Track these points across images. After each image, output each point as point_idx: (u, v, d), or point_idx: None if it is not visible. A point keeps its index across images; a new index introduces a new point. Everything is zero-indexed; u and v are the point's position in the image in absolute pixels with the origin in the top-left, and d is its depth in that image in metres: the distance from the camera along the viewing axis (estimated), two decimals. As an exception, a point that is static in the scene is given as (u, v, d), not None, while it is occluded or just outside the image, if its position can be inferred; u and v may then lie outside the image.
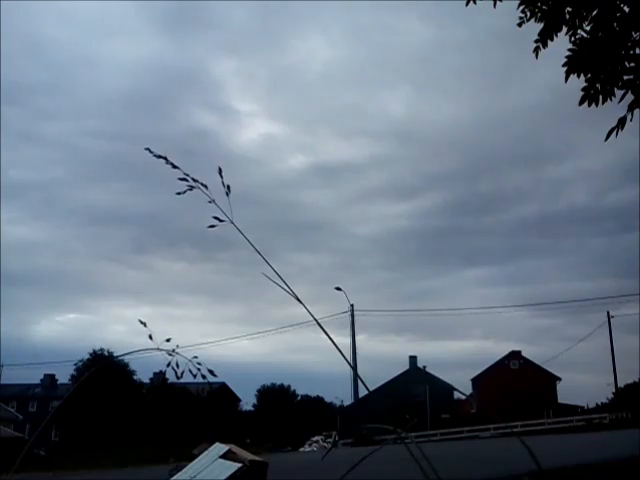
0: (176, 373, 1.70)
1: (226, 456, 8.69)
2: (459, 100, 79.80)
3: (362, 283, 72.73)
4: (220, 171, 1.77)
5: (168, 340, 1.71)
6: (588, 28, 4.05)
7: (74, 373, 50.20)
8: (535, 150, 72.95)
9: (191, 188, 1.77)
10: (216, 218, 1.73)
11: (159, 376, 50.33)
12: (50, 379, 63.03)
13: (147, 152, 1.85)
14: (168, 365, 1.70)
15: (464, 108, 77.97)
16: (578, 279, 76.84)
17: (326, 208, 79.31)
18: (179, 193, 1.80)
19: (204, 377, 1.71)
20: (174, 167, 1.79)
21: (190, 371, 1.70)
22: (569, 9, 4.11)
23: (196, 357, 1.72)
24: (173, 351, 1.69)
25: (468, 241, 79.03)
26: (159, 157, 1.82)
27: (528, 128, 72.71)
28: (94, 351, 50.14)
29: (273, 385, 63.45)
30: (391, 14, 72.71)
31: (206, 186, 1.76)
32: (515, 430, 32.10)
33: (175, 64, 78.81)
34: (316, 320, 1.62)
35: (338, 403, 60.82)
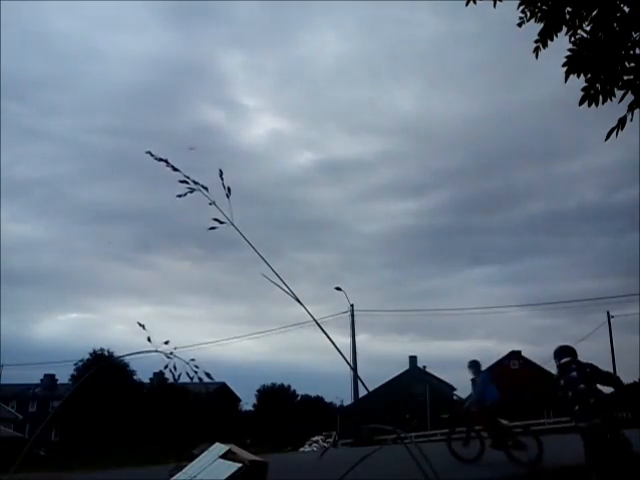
0: (174, 376, 1.70)
1: (226, 456, 8.69)
2: (470, 95, 79.73)
3: (367, 282, 72.76)
4: (221, 173, 1.77)
5: (167, 342, 1.71)
6: (588, 28, 4.05)
7: (74, 373, 50.20)
8: (545, 146, 72.83)
9: (192, 190, 1.78)
10: (217, 220, 1.73)
11: (159, 376, 50.35)
12: (50, 379, 62.97)
13: (152, 148, 1.86)
14: (165, 367, 1.70)
15: (475, 103, 77.89)
16: (585, 278, 76.68)
17: (333, 206, 79.13)
18: (179, 196, 1.81)
19: (201, 380, 1.71)
20: (174, 170, 1.79)
21: (187, 374, 1.71)
22: (569, 9, 4.11)
23: (193, 360, 1.72)
24: (171, 354, 1.69)
25: (475, 239, 78.94)
26: (160, 160, 1.82)
27: (539, 124, 72.51)
28: (94, 351, 50.16)
29: (273, 385, 63.42)
30: (403, 7, 72.41)
31: (206, 188, 1.76)
32: (515, 430, 32.01)
33: (183, 58, 78.67)
34: (315, 320, 1.61)
35: (338, 403, 60.87)
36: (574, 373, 6.61)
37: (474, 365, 12.02)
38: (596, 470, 6.51)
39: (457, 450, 11.40)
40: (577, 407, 6.45)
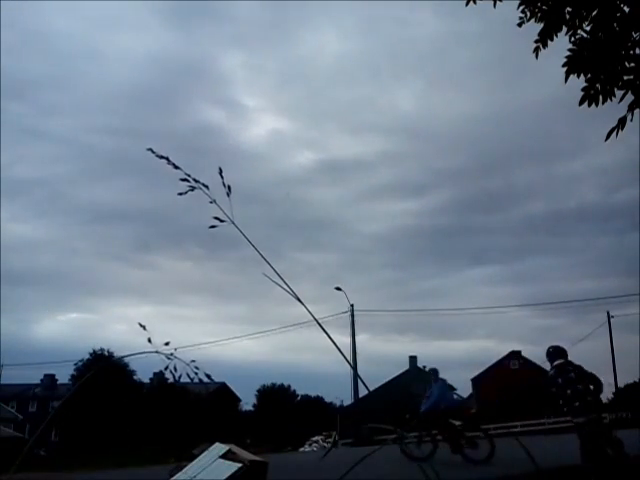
0: (174, 377, 1.70)
1: (226, 456, 8.69)
2: (471, 95, 79.61)
3: (368, 282, 72.62)
4: (220, 171, 1.77)
5: (167, 343, 1.71)
6: (588, 28, 4.06)
7: (74, 373, 50.19)
8: (545, 146, 72.74)
9: (192, 189, 1.78)
10: (217, 218, 1.72)
11: (159, 376, 50.36)
12: (50, 379, 62.97)
13: (153, 148, 1.85)
14: (166, 368, 1.69)
15: (475, 103, 77.78)
16: (585, 278, 76.62)
17: (333, 206, 79.03)
18: (180, 194, 1.80)
19: (201, 381, 1.71)
20: (175, 167, 1.79)
21: (188, 375, 1.70)
22: (569, 9, 4.11)
23: (194, 361, 1.71)
24: (171, 354, 1.69)
25: (475, 239, 78.87)
26: (161, 157, 1.82)
27: (539, 124, 72.50)
28: (94, 351, 50.14)
29: (273, 385, 63.39)
30: (404, 7, 72.24)
31: (207, 186, 1.76)
32: (515, 430, 32.06)
33: (183, 58, 78.60)
34: (316, 320, 1.61)
35: (338, 403, 60.83)
36: (572, 374, 7.39)
37: (434, 373, 12.89)
38: (591, 467, 6.99)
39: (409, 450, 12.03)
40: (577, 404, 7.15)
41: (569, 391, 7.24)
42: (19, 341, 68.52)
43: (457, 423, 12.10)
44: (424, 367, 58.90)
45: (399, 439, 12.36)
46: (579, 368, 7.48)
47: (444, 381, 12.95)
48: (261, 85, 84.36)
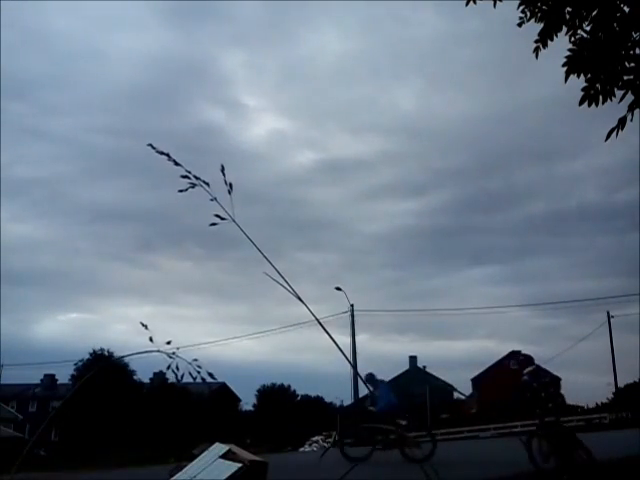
0: (176, 376, 1.69)
1: (226, 456, 8.68)
2: (471, 95, 79.65)
3: (368, 282, 72.60)
4: (222, 169, 1.76)
5: (169, 342, 1.70)
6: (588, 28, 4.06)
7: (74, 373, 50.17)
8: (546, 146, 72.72)
9: (193, 186, 1.77)
10: (218, 216, 1.72)
11: (159, 376, 50.35)
12: (50, 379, 62.95)
13: (153, 148, 1.85)
14: (168, 367, 1.69)
15: (476, 103, 77.79)
16: (585, 278, 76.53)
17: (334, 206, 78.92)
18: (181, 191, 1.79)
19: (204, 380, 1.70)
20: (176, 164, 1.78)
21: (190, 374, 1.70)
22: (569, 9, 4.11)
23: (196, 360, 1.70)
24: (173, 354, 1.68)
25: (475, 239, 78.87)
26: (161, 154, 1.81)
27: (539, 124, 72.44)
28: (94, 351, 50.13)
29: (273, 385, 63.37)
30: (405, 6, 72.22)
31: (208, 184, 1.75)
32: (515, 430, 32.05)
33: (183, 57, 78.37)
34: (317, 319, 1.61)
35: (338, 403, 60.79)
36: (544, 379, 8.49)
37: (370, 378, 13.23)
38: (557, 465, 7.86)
39: (347, 452, 12.33)
40: (550, 405, 8.15)
41: (543, 394, 8.21)
42: (19, 341, 68.51)
43: (403, 423, 12.61)
44: (424, 367, 59.05)
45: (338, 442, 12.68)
46: (546, 372, 8.66)
47: (387, 383, 13.56)
48: (261, 85, 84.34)
